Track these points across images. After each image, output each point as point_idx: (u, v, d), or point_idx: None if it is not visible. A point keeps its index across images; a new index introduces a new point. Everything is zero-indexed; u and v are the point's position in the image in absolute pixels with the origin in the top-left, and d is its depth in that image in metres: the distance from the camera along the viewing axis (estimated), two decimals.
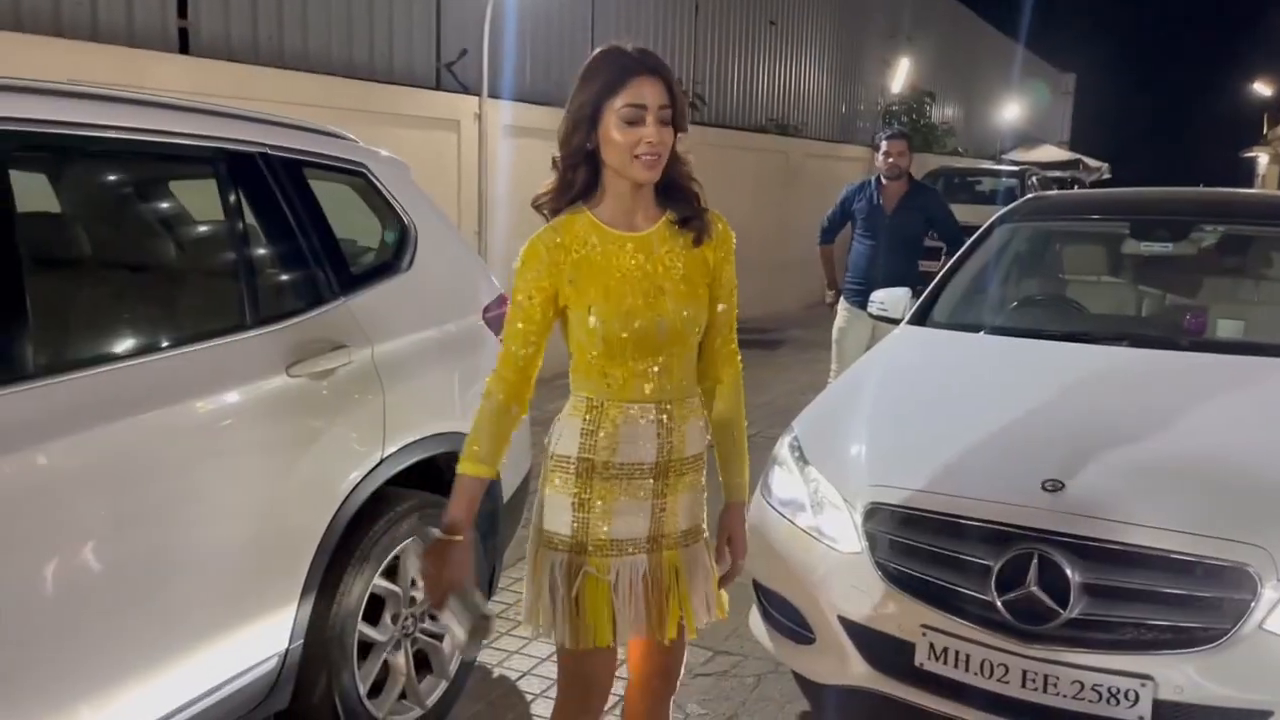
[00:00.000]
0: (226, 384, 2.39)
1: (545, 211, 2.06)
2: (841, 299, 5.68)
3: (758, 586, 3.03)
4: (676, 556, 2.10)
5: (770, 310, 11.85)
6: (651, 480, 2.06)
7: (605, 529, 2.04)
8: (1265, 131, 33.77)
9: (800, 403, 4.86)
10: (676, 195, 2.06)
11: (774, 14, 13.42)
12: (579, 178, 2.01)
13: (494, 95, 7.37)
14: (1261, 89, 34.68)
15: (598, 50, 1.99)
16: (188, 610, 2.28)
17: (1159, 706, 2.37)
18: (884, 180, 5.55)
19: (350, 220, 3.09)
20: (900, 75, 16.46)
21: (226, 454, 2.37)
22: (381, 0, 7.11)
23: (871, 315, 4.41)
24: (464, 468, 2.01)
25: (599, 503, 2.03)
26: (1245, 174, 36.24)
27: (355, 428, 2.70)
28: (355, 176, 3.03)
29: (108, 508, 2.11)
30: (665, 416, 2.06)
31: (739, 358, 2.22)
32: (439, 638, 2.98)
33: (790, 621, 2.89)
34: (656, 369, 2.03)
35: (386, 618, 2.80)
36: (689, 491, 2.12)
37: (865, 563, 2.71)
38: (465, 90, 7.49)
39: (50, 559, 2.00)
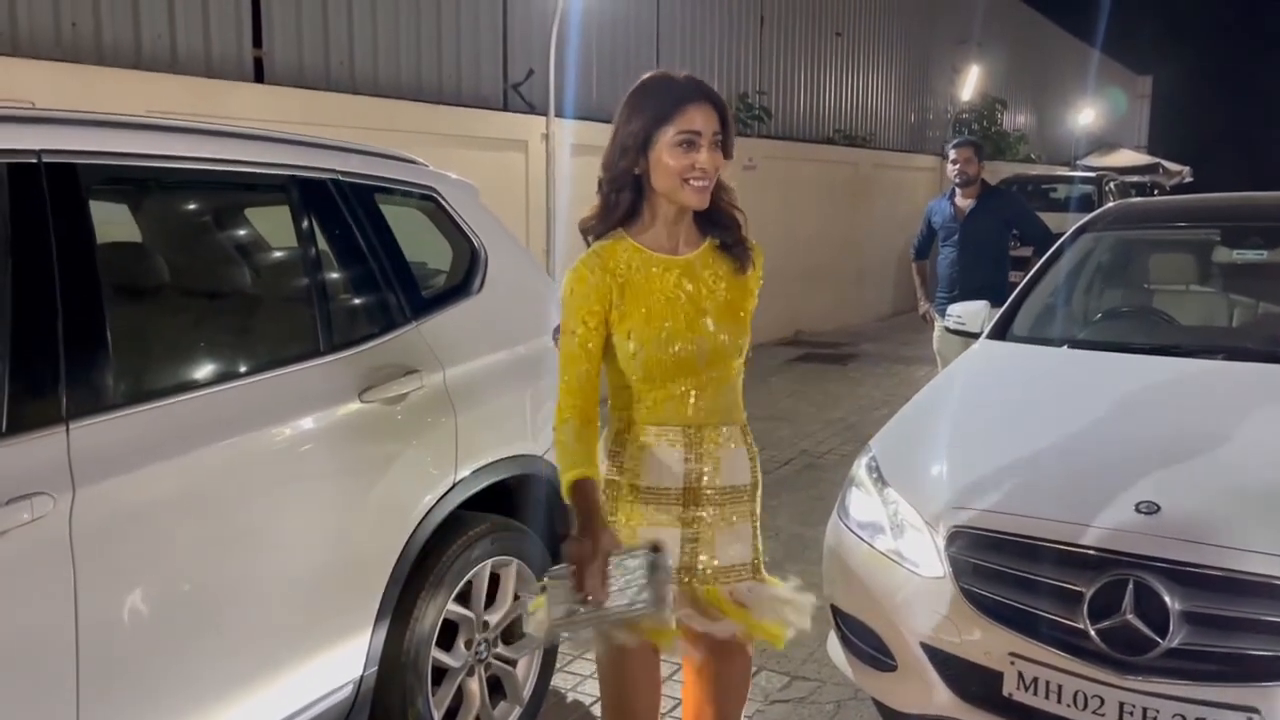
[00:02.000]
0: (301, 410, 2.40)
1: (590, 236, 2.08)
2: (932, 312, 5.76)
3: (835, 611, 2.96)
4: (716, 593, 2.06)
5: (841, 324, 11.70)
6: (680, 508, 2.04)
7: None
8: None
9: (872, 419, 4.77)
10: (719, 222, 2.08)
11: (840, 24, 13.30)
12: (623, 201, 2.02)
13: (560, 114, 7.41)
14: None
15: (646, 76, 2.03)
16: (264, 637, 2.29)
17: None
18: (956, 189, 5.65)
19: (421, 243, 3.11)
20: (970, 83, 16.19)
21: (300, 480, 2.38)
22: (449, 24, 7.19)
23: (948, 330, 4.31)
24: (572, 475, 1.95)
25: (625, 525, 2.03)
26: None
27: (428, 452, 2.69)
28: (425, 200, 3.04)
29: (187, 536, 2.13)
30: (695, 441, 2.04)
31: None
32: (512, 663, 2.95)
33: (870, 647, 2.81)
34: (693, 394, 2.03)
35: (460, 643, 2.79)
36: (729, 527, 2.07)
37: (949, 587, 2.62)
38: (532, 110, 7.55)
39: (132, 587, 2.02)
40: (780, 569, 4.42)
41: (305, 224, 2.61)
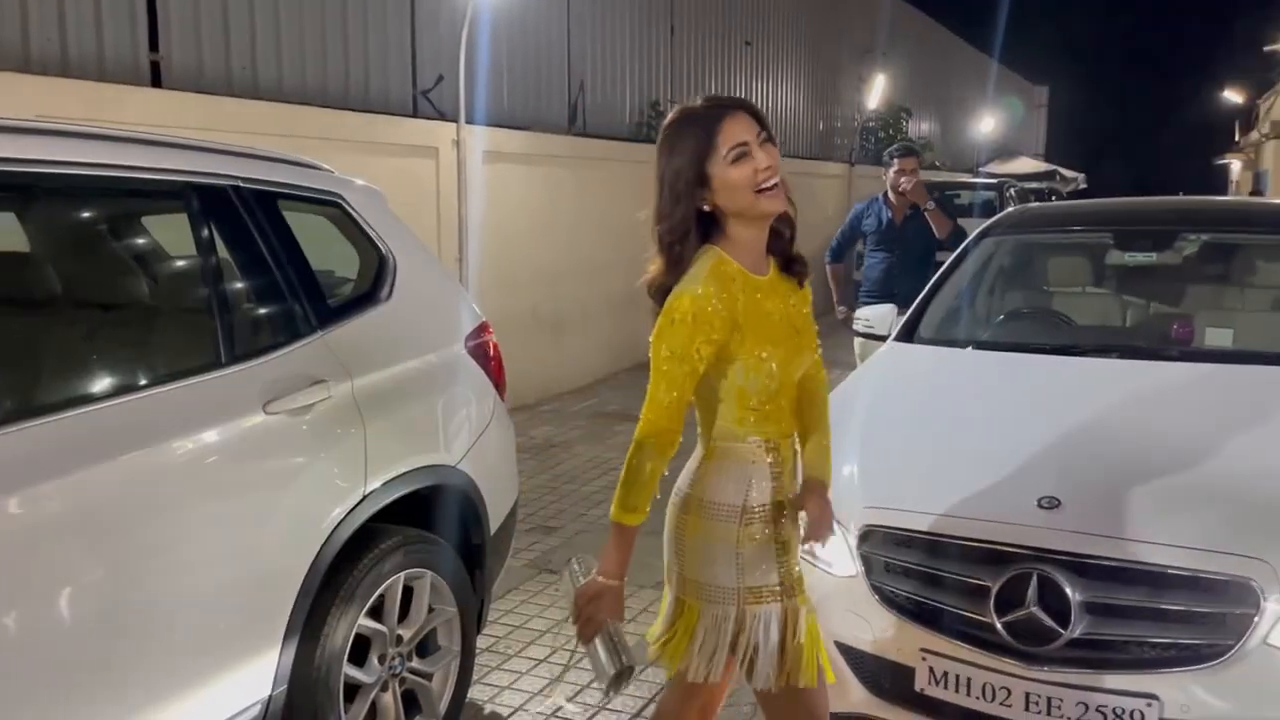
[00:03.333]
0: (202, 424, 2.32)
1: (657, 295, 1.99)
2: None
3: None
4: (814, 624, 2.14)
5: None
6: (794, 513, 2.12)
7: (797, 565, 2.09)
8: (1237, 138, 34.13)
9: None
10: (775, 235, 2.07)
11: (749, 34, 13.47)
12: (687, 250, 1.97)
13: (471, 121, 7.34)
14: (1232, 96, 35.08)
15: (669, 120, 1.99)
16: (165, 660, 2.21)
17: None
18: (893, 196, 5.64)
19: (328, 251, 3.05)
20: (876, 91, 16.54)
21: (203, 495, 2.30)
22: (355, 29, 7.07)
23: (856, 333, 4.39)
24: (623, 519, 1.98)
25: (793, 542, 2.08)
26: (1218, 180, 36.60)
27: (336, 464, 2.63)
28: (331, 207, 2.98)
29: (81, 555, 2.04)
30: (797, 445, 2.16)
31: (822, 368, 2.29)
32: (428, 676, 2.90)
33: None
34: (790, 406, 2.10)
35: (373, 658, 2.73)
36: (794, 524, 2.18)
37: (861, 586, 2.67)
38: (442, 117, 7.46)
39: (18, 612, 1.93)
40: None
41: (204, 232, 2.53)
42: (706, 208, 1.96)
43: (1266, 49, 27.89)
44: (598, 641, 1.98)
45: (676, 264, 1.97)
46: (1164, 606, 2.39)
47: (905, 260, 5.57)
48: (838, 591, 2.69)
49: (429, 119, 7.39)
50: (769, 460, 2.05)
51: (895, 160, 5.65)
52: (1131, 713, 2.34)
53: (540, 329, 8.24)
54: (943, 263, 4.45)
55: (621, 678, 1.98)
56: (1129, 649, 2.39)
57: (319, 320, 2.71)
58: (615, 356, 9.45)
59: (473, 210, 7.33)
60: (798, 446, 2.16)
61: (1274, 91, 28.06)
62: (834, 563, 2.73)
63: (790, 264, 2.10)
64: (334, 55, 6.92)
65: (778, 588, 2.03)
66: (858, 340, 5.67)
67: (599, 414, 7.76)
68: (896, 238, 5.61)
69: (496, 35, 7.97)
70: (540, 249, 8.27)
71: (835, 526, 2.73)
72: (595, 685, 2.01)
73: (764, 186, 1.93)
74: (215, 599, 2.31)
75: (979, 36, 26.01)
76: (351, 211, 3.01)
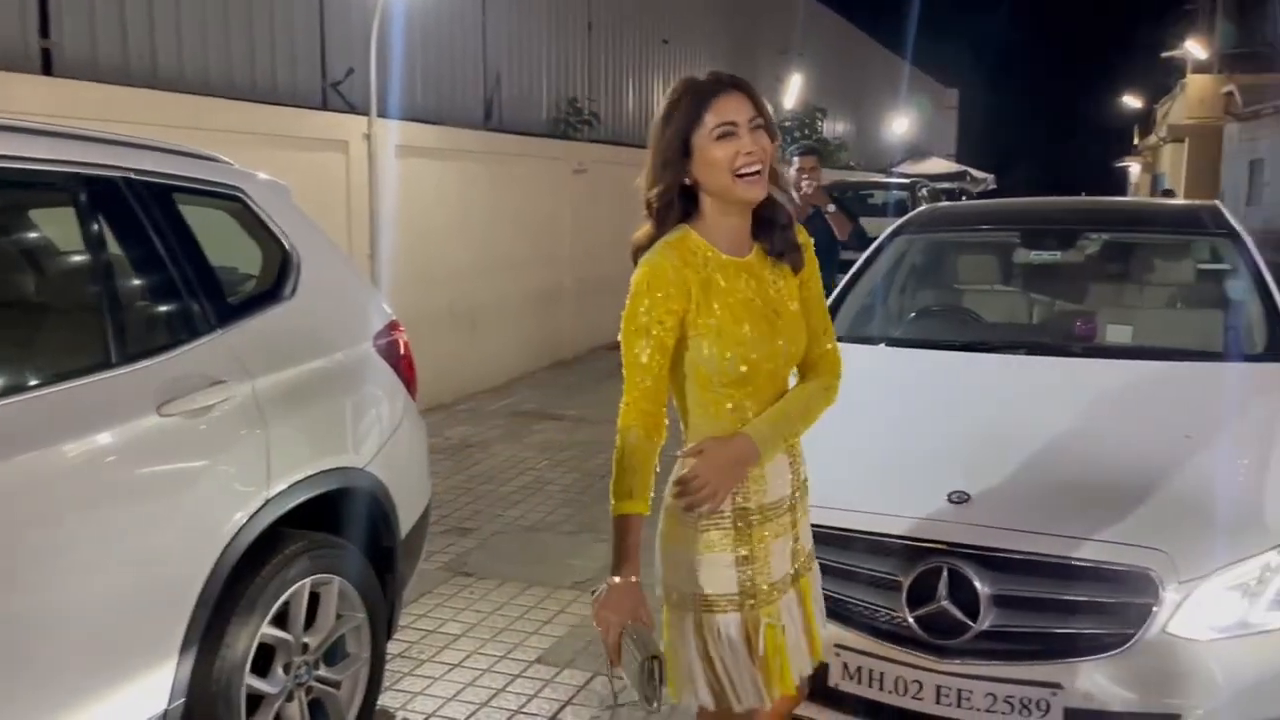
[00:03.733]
0: (91, 427, 2.21)
1: (635, 258, 1.95)
2: None
3: None
4: (806, 580, 2.08)
5: None
6: (788, 513, 2.02)
7: (768, 575, 1.96)
8: (1136, 142, 35.44)
9: None
10: (769, 218, 1.98)
11: (667, 32, 13.50)
12: (671, 217, 1.94)
13: (383, 115, 7.20)
14: (1132, 102, 36.42)
15: (673, 86, 1.93)
16: (56, 672, 2.10)
17: (1070, 714, 2.37)
18: (795, 196, 5.63)
19: (230, 247, 2.94)
20: (792, 91, 16.73)
21: (95, 501, 2.19)
22: (261, 17, 6.87)
23: None
24: (621, 508, 1.87)
25: (760, 550, 1.95)
26: (1120, 182, 37.95)
27: (236, 467, 2.53)
28: (231, 201, 2.87)
29: None
30: (793, 444, 2.03)
31: (841, 364, 2.11)
32: (335, 685, 2.82)
33: None
34: (773, 396, 1.97)
35: (278, 668, 2.63)
36: (806, 513, 2.11)
37: None
38: (353, 110, 7.30)
39: None
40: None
41: (94, 226, 2.41)
42: (688, 181, 1.91)
43: (1164, 55, 29.02)
44: (624, 646, 1.79)
45: (662, 228, 1.94)
46: (1069, 598, 2.44)
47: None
48: None
49: (339, 112, 7.22)
50: None
51: (796, 159, 5.64)
52: (1037, 702, 2.38)
53: (456, 327, 8.12)
54: (848, 261, 4.50)
55: (652, 676, 1.75)
56: (1036, 640, 2.43)
57: (218, 318, 2.60)
58: (534, 354, 9.38)
59: (385, 206, 7.19)
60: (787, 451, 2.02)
61: (1170, 97, 29.21)
62: None
63: (781, 253, 1.99)
64: (238, 45, 6.71)
65: (736, 596, 1.93)
66: None
67: (517, 413, 7.68)
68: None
69: (410, 27, 7.83)
70: (456, 245, 8.15)
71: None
72: (636, 701, 1.79)
73: (743, 171, 1.86)
74: (107, 611, 2.20)
75: (893, 40, 26.57)
76: (253, 206, 2.91)
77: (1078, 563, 2.43)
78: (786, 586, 2.01)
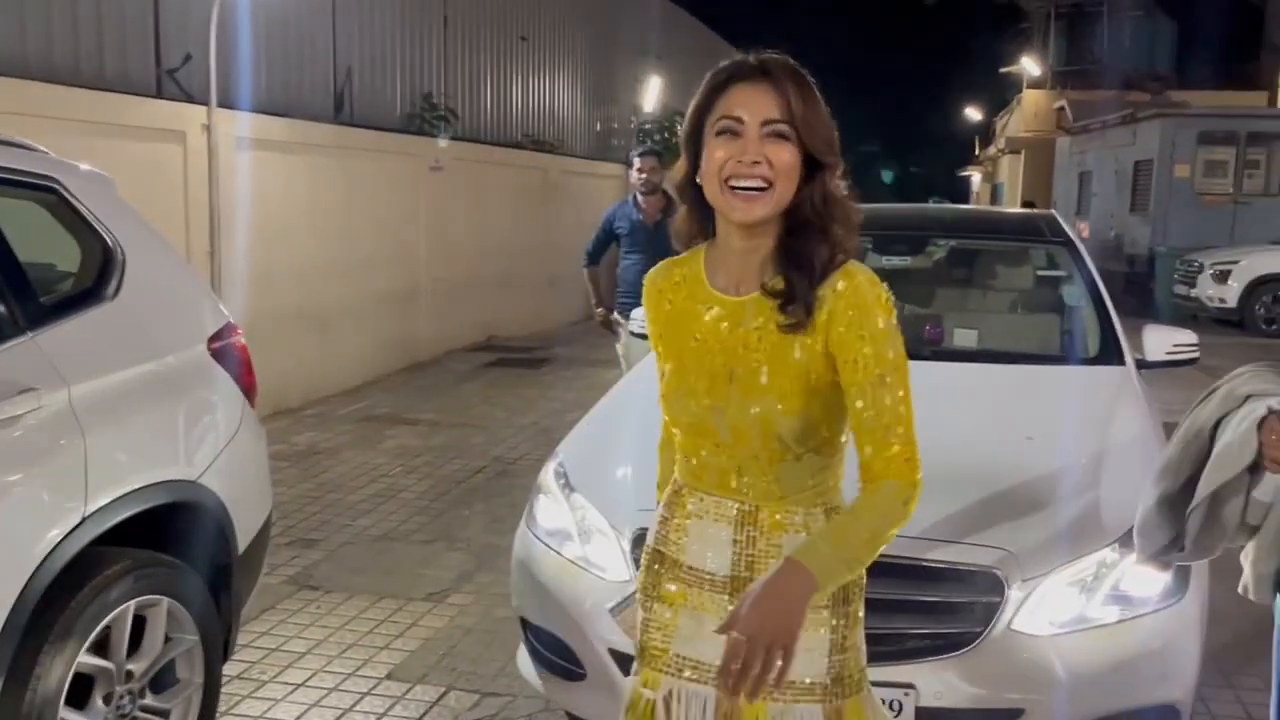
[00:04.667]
0: None
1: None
2: (617, 316, 5.68)
3: (524, 623, 2.89)
4: (763, 710, 1.61)
5: (533, 329, 11.73)
6: (725, 597, 1.63)
7: (663, 637, 1.69)
8: (977, 152, 37.22)
9: (565, 423, 4.77)
10: (799, 255, 1.57)
11: (525, 30, 13.35)
12: (690, 220, 1.68)
13: (226, 105, 6.84)
14: (973, 114, 38.26)
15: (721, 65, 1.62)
16: None
17: (921, 714, 2.40)
18: (640, 196, 5.69)
19: (46, 243, 2.71)
20: (651, 94, 16.82)
21: None
22: None
23: (633, 334, 4.38)
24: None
25: (664, 606, 1.70)
26: (964, 190, 39.85)
27: (49, 482, 2.33)
28: (45, 192, 2.64)
29: None
30: (748, 520, 1.62)
31: (916, 471, 1.60)
32: (164, 714, 2.63)
33: (559, 658, 2.75)
34: (730, 465, 1.62)
35: (97, 699, 2.43)
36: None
37: (633, 590, 2.61)
38: (190, 99, 6.91)
39: None
40: (472, 580, 4.31)
41: None
42: (698, 180, 1.59)
43: (1003, 70, 30.56)
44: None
45: (686, 230, 1.71)
46: (917, 598, 2.47)
47: (660, 257, 5.56)
48: (611, 596, 2.63)
49: (174, 100, 6.82)
50: (664, 501, 1.74)
51: (637, 159, 5.70)
52: (891, 703, 2.40)
53: (305, 328, 7.79)
54: None
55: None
56: (889, 641, 2.45)
57: (28, 320, 2.39)
58: (386, 357, 9.10)
59: (227, 201, 6.83)
60: (762, 518, 1.62)
61: (1008, 110, 30.78)
62: (608, 568, 2.68)
63: (783, 297, 1.56)
64: (60, 24, 6.25)
65: (637, 656, 1.76)
66: (623, 341, 5.68)
67: (368, 418, 7.42)
68: (649, 239, 5.57)
69: (255, 13, 7.46)
70: (306, 243, 7.82)
71: (610, 531, 2.69)
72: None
73: (736, 184, 1.50)
74: None
75: (748, 46, 27.04)
76: (70, 198, 2.68)
77: (928, 564, 2.47)
78: (701, 678, 1.65)
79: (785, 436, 1.56)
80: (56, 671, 2.28)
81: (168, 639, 2.63)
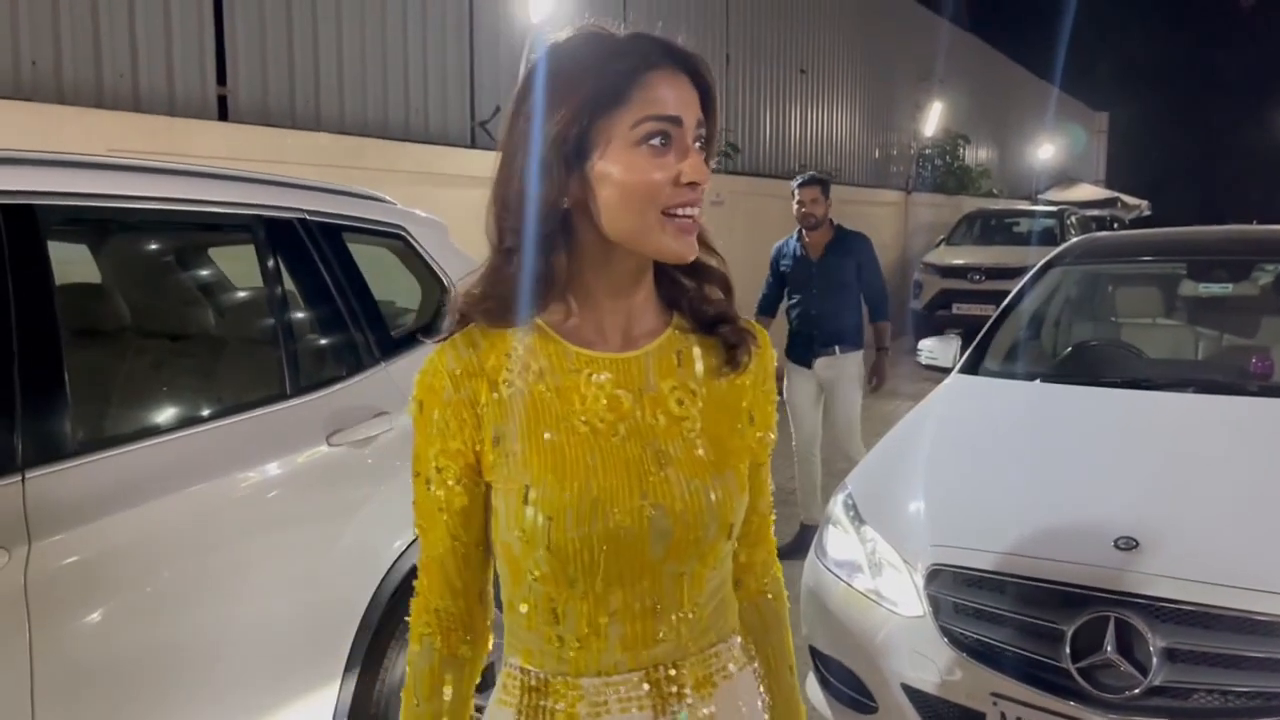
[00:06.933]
0: (267, 455, 2.33)
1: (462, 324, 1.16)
2: (783, 359, 5.20)
3: (814, 652, 2.91)
4: None
5: None
6: None
7: None
8: None
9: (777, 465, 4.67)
10: (682, 287, 1.20)
11: (804, 63, 13.46)
12: (555, 265, 1.11)
13: None
14: None
15: (554, 42, 1.14)
16: (228, 692, 2.21)
17: None
18: (804, 230, 5.15)
19: (390, 282, 3.06)
20: (932, 119, 16.42)
21: (266, 527, 2.31)
22: (415, 62, 7.18)
23: (921, 364, 4.31)
24: None
25: None
26: None
27: (398, 495, 2.62)
28: (394, 239, 3.00)
29: (147, 589, 2.05)
30: (668, 690, 1.13)
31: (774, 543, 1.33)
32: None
33: (850, 689, 2.76)
34: (652, 605, 1.12)
35: None
36: None
37: (929, 627, 2.59)
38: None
39: (90, 643, 1.94)
40: None
41: (271, 264, 2.56)
42: (566, 203, 1.10)
43: None
44: None
45: (540, 283, 1.12)
46: (1248, 653, 2.29)
47: (824, 297, 5.00)
48: (904, 631, 2.62)
49: (487, 149, 7.46)
50: (518, 710, 1.13)
51: (796, 190, 5.07)
52: None
53: None
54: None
55: None
56: (1213, 697, 2.29)
57: (382, 352, 2.72)
58: None
59: None
60: (686, 680, 1.14)
61: None
62: (900, 602, 2.66)
63: (733, 348, 1.19)
64: (394, 88, 7.03)
65: None
66: (786, 386, 5.08)
67: None
68: (811, 274, 5.05)
69: None
70: None
71: (902, 565, 2.68)
72: None
73: (680, 212, 1.08)
74: (276, 633, 2.31)
75: (1038, 63, 25.74)
76: (414, 243, 3.03)
77: (1258, 617, 2.28)
78: None
79: (730, 524, 1.15)
80: (402, 664, 2.57)
81: None
